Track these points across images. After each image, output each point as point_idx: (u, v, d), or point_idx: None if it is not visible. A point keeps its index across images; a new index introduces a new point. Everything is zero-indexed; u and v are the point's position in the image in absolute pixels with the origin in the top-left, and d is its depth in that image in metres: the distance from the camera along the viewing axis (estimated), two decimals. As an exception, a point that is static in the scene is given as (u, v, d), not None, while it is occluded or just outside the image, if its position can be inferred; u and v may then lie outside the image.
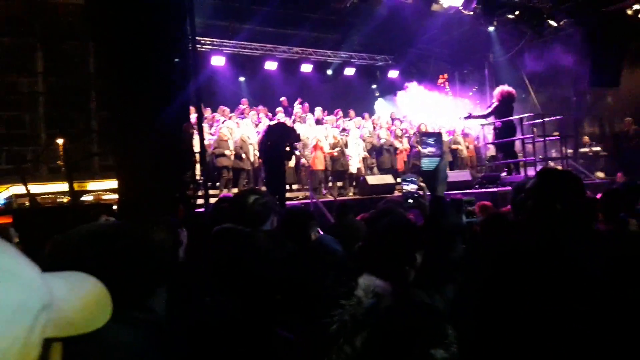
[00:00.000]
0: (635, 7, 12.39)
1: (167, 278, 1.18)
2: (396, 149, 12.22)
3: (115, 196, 15.97)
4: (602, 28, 12.18)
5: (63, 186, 17.77)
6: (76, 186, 15.27)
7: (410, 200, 2.50)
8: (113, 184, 17.13)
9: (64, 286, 0.57)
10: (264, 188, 9.80)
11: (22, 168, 19.91)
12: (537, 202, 2.07)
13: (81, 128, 22.02)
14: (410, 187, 2.61)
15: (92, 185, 21.04)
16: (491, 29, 12.73)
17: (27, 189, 13.04)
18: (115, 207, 8.54)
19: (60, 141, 21.48)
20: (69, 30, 20.70)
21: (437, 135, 2.12)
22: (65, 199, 16.44)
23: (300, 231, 2.94)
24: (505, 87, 9.76)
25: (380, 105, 17.18)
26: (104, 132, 20.40)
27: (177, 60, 7.84)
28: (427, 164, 2.06)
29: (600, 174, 11.87)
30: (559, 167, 9.77)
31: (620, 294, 1.36)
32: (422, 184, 2.47)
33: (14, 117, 22.77)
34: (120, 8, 7.62)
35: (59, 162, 21.09)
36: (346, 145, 11.51)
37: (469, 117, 10.64)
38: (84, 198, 18.53)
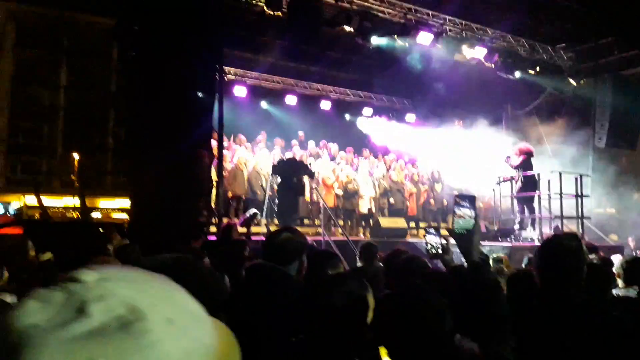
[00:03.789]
0: (655, 71, 12.51)
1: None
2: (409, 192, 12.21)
3: (123, 215, 15.99)
4: (620, 90, 12.27)
5: (74, 201, 17.79)
6: (87, 202, 15.30)
7: (434, 251, 2.53)
8: (123, 202, 17.12)
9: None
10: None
11: (36, 179, 20.00)
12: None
13: (97, 144, 22.22)
14: (433, 239, 2.62)
15: (102, 202, 21.01)
16: (518, 74, 12.77)
17: (39, 201, 13.07)
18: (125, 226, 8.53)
19: (75, 156, 21.65)
20: (94, 48, 21.20)
21: (471, 198, 2.09)
22: (75, 214, 16.42)
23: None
24: (526, 144, 9.83)
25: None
26: (119, 150, 20.60)
27: (202, 90, 7.95)
28: (460, 225, 2.02)
29: (614, 237, 11.68)
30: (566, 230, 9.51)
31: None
32: (445, 238, 2.47)
33: (33, 129, 23.04)
34: (151, 34, 7.79)
35: (72, 176, 21.19)
36: (358, 185, 11.50)
37: (504, 181, 10.25)
38: (93, 215, 18.54)
